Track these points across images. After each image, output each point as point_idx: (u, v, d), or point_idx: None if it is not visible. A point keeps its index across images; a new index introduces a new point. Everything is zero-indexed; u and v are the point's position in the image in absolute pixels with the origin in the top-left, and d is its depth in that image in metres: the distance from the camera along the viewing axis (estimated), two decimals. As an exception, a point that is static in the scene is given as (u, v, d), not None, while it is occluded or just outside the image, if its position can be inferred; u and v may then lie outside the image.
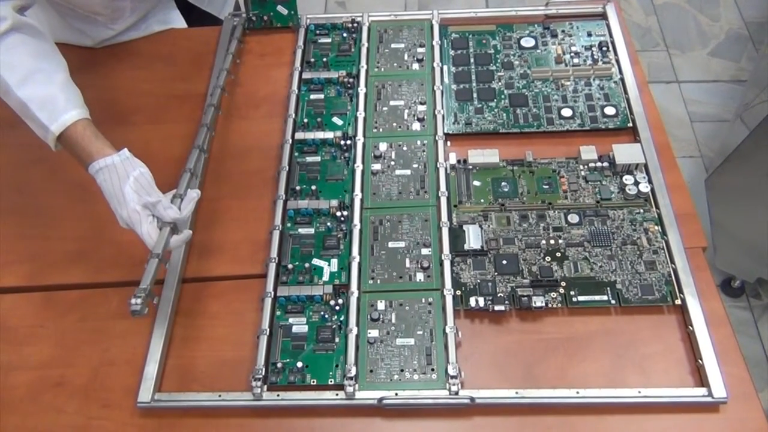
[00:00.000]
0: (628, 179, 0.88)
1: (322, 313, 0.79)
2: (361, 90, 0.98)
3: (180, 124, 0.98)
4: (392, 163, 0.91)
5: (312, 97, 0.99)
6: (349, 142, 0.93)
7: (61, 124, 0.73)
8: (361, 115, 0.95)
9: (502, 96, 0.97)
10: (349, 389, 0.72)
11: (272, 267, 0.82)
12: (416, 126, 0.95)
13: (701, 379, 0.73)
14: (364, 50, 1.03)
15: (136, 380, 0.75)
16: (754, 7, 2.12)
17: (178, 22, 1.11)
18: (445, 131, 0.94)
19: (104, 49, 1.08)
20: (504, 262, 0.81)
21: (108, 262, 0.85)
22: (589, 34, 1.04)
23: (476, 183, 0.89)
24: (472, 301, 0.78)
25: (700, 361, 0.73)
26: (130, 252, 0.83)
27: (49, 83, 0.75)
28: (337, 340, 0.77)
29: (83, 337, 0.81)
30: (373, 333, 0.77)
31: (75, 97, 0.76)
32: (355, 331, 0.76)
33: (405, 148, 0.93)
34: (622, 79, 0.97)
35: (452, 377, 0.72)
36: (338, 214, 0.86)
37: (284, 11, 1.07)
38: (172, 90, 1.03)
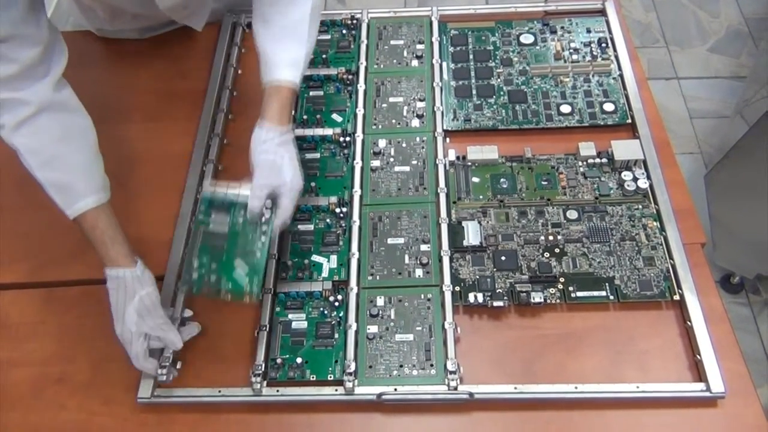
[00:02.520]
0: (626, 175, 0.88)
1: (321, 309, 0.79)
2: (361, 87, 0.98)
3: (180, 121, 0.98)
4: (391, 159, 0.91)
5: (311, 93, 0.99)
6: (348, 138, 0.93)
7: (75, 210, 0.75)
8: (360, 111, 0.95)
9: (501, 92, 0.97)
10: (349, 385, 0.73)
11: (272, 263, 0.82)
12: (415, 122, 0.95)
13: (699, 375, 0.73)
14: (363, 47, 1.03)
15: (136, 376, 0.76)
16: (753, 3, 2.12)
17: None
18: (444, 128, 0.94)
19: (105, 46, 1.08)
20: (503, 258, 0.81)
21: (108, 259, 0.85)
22: (588, 31, 1.04)
23: (475, 179, 0.89)
24: (471, 297, 0.79)
25: (698, 356, 0.73)
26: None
27: (68, 169, 0.75)
28: (336, 335, 0.77)
29: (84, 333, 0.81)
30: (373, 329, 0.77)
31: (95, 180, 0.76)
32: (354, 326, 0.77)
33: (404, 145, 0.93)
34: (621, 76, 0.97)
35: (451, 373, 0.73)
36: (337, 210, 0.86)
37: None
38: (172, 87, 1.03)
